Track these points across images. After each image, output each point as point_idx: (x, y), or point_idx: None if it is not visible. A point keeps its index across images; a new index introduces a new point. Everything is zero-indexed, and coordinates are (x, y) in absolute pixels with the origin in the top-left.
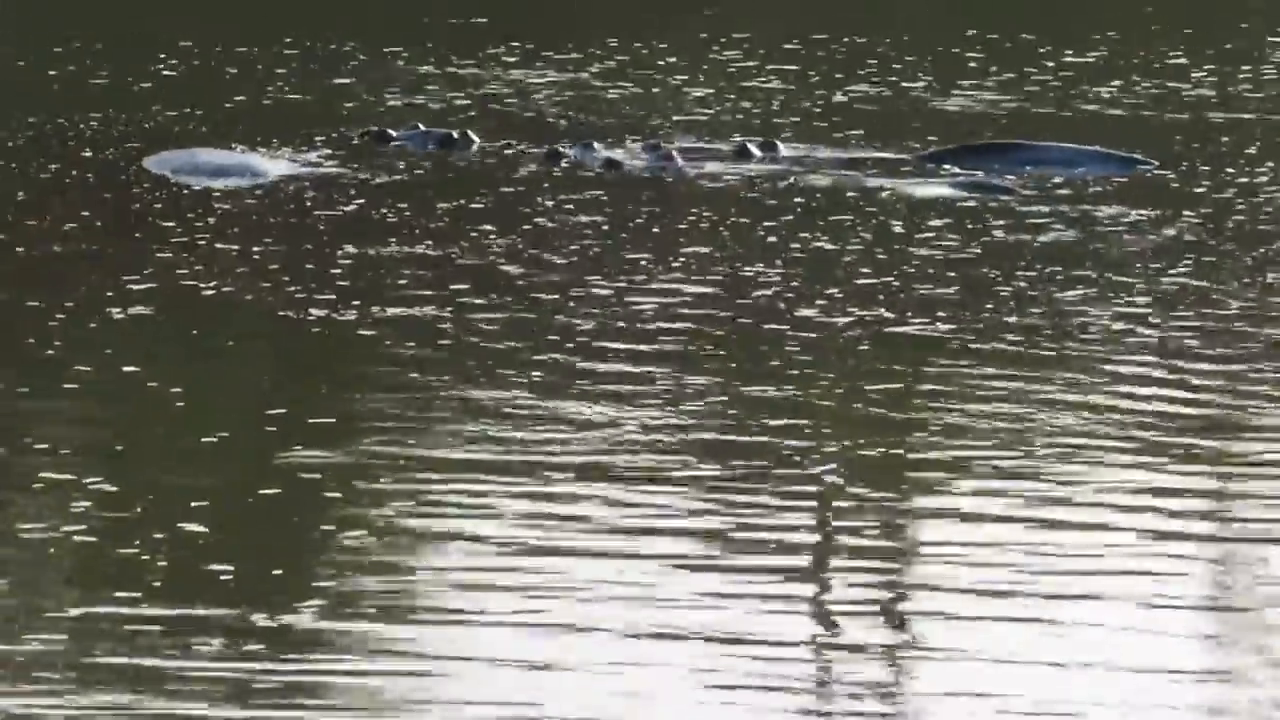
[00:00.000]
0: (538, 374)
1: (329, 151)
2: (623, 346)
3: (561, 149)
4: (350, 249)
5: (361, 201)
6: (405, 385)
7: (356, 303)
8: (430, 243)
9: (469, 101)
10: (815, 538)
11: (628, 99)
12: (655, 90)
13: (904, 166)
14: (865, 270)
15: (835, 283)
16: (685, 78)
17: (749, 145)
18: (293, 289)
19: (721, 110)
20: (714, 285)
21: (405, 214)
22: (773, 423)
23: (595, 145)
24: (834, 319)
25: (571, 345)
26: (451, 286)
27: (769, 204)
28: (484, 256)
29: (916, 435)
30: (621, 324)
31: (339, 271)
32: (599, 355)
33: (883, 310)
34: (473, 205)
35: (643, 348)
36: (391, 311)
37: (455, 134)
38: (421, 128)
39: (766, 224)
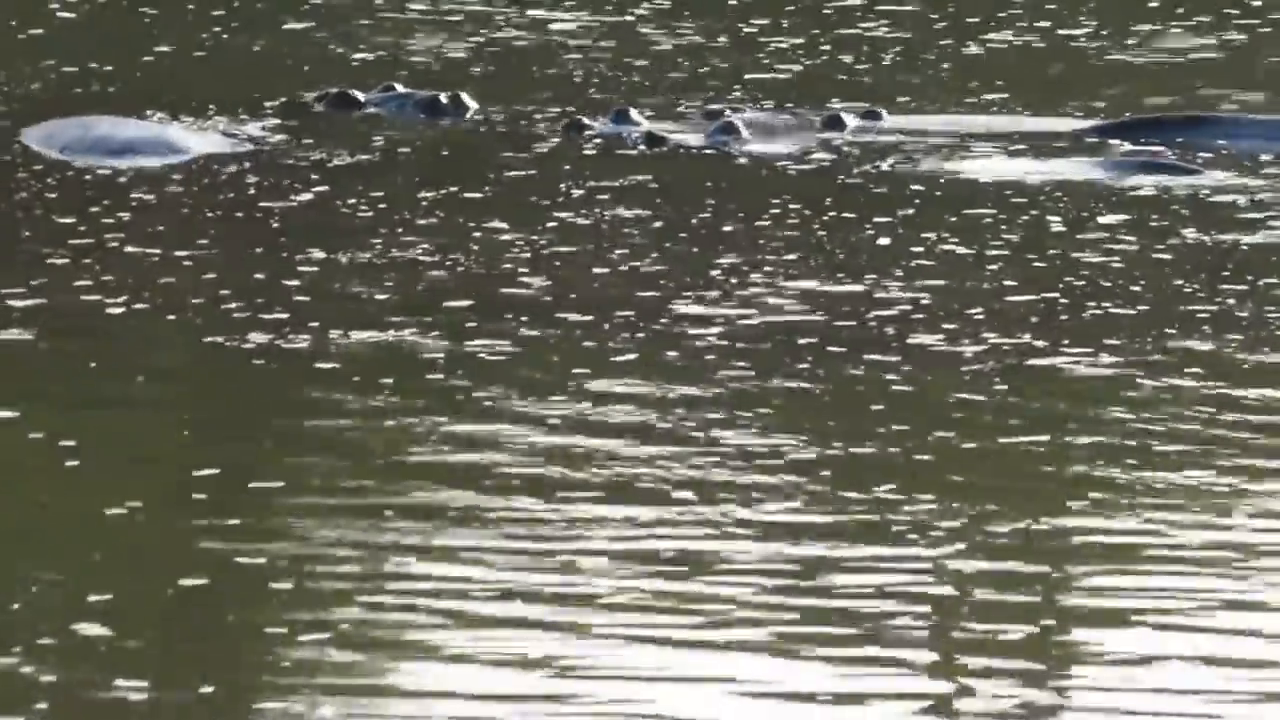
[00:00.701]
0: (557, 426)
1: (277, 121)
2: (674, 388)
3: (588, 119)
4: (305, 254)
5: (321, 189)
6: (378, 440)
7: (313, 325)
8: (413, 246)
9: (465, 53)
10: (929, 654)
11: (682, 51)
12: (719, 39)
13: (1060, 143)
14: (1006, 283)
15: (966, 301)
16: (763, 22)
17: (844, 114)
18: (228, 308)
19: (811, 66)
20: (799, 306)
21: (379, 206)
22: (879, 491)
23: (633, 114)
24: (962, 349)
25: (603, 388)
26: (442, 305)
27: (875, 193)
28: (485, 265)
29: (1071, 513)
30: (672, 357)
31: (291, 285)
32: (642, 401)
33: (1029, 337)
34: (468, 195)
35: (702, 391)
36: (360, 338)
37: (445, 97)
38: (400, 89)
39: (873, 221)
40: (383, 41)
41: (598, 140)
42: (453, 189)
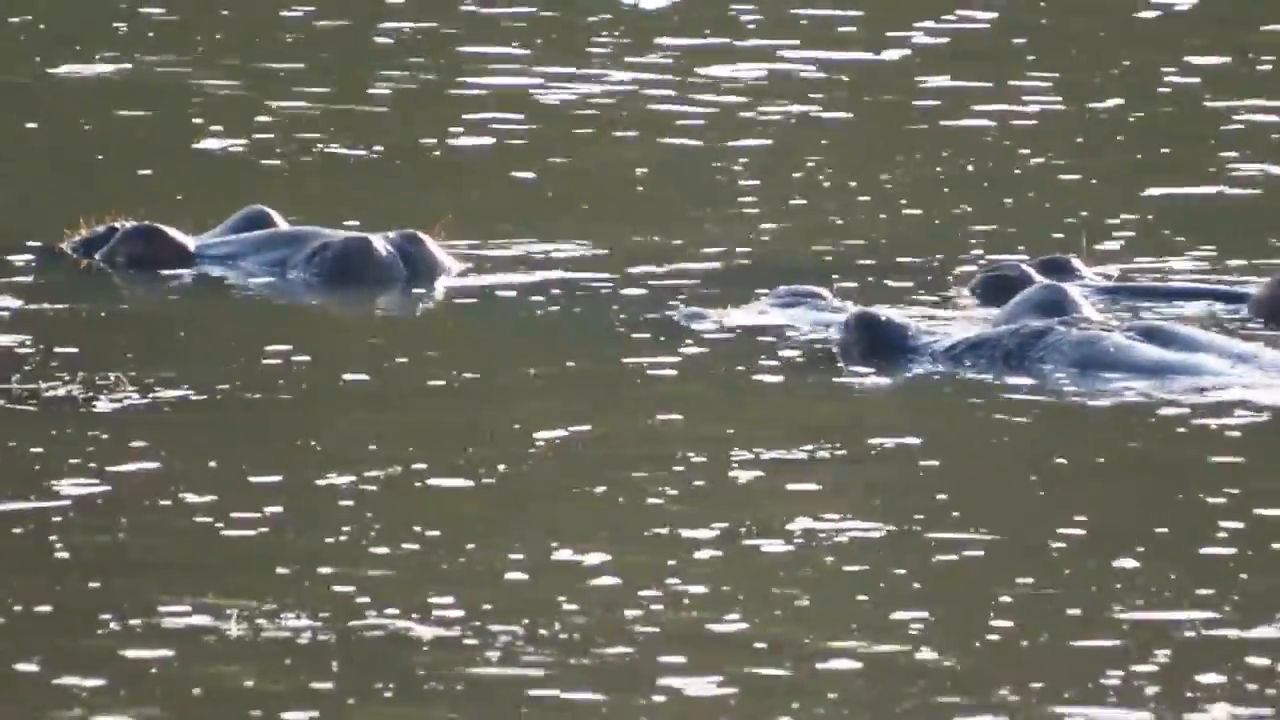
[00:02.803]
0: None
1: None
2: None
3: (685, 309)
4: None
5: (131, 465)
6: None
7: None
8: (367, 617)
9: (433, 138)
10: None
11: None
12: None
13: None
14: None
15: None
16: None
17: None
18: None
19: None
20: None
21: (264, 530)
22: None
23: (827, 294)
24: None
25: None
26: None
27: None
28: (534, 656)
29: None
30: None
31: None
32: None
33: None
34: (461, 482)
35: None
36: None
37: (384, 242)
38: (280, 222)
39: None
40: (264, 120)
41: (739, 351)
42: (424, 468)
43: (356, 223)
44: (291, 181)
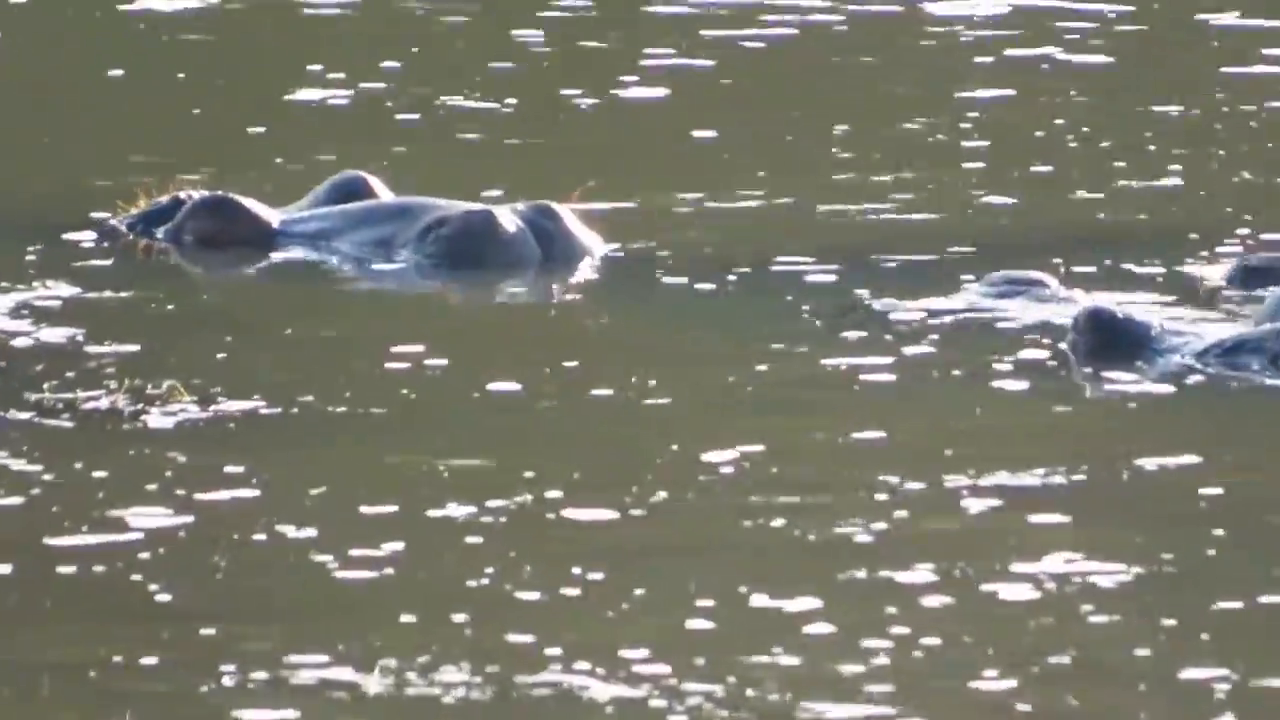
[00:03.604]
0: None
1: (54, 292)
2: None
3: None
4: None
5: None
6: None
7: None
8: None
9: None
10: None
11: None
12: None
13: None
14: None
15: None
16: None
17: None
18: None
19: None
20: None
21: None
22: None
23: (1052, 282)
24: None
25: None
26: None
27: None
28: None
29: None
30: None
31: None
32: None
33: None
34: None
35: None
36: None
37: (514, 216)
38: (382, 191)
39: None
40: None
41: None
42: (560, 495)
43: (499, 192)
44: (409, 140)
